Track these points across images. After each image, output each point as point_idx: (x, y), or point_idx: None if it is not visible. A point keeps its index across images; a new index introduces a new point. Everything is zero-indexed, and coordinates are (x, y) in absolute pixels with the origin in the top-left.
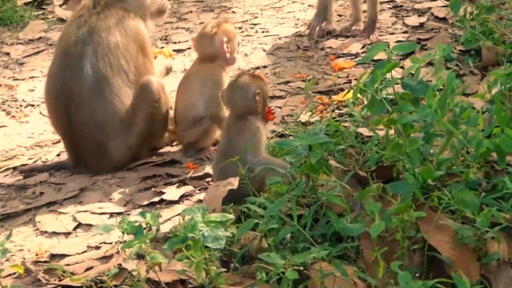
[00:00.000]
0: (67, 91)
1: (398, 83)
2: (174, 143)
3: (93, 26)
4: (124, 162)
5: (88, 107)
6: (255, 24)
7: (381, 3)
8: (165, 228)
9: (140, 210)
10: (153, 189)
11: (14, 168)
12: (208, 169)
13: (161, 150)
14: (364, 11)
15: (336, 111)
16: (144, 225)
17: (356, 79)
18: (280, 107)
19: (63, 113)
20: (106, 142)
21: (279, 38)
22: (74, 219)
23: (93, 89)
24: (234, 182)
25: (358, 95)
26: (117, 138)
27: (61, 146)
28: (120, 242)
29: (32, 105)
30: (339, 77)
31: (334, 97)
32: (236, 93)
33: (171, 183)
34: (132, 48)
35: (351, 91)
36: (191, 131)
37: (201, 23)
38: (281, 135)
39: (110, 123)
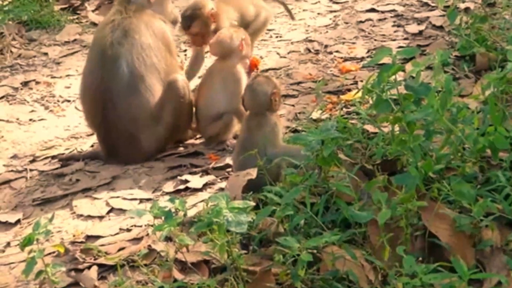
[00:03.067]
0: (105, 88)
1: (401, 85)
2: (197, 136)
3: (126, 29)
4: (153, 153)
5: (124, 102)
6: (269, 30)
7: (383, 12)
8: (190, 213)
9: (166, 196)
10: (178, 177)
11: (53, 157)
12: (229, 160)
13: (186, 143)
14: None
15: (344, 109)
16: (172, 210)
17: (361, 81)
18: (293, 105)
19: (100, 108)
20: (138, 134)
21: (292, 43)
22: (107, 204)
23: (129, 86)
24: (253, 173)
25: (366, 95)
26: (148, 130)
27: (94, 138)
28: (150, 225)
29: (68, 101)
30: (346, 79)
31: (342, 96)
32: (254, 95)
33: (195, 173)
34: (161, 48)
35: (357, 92)
36: (213, 126)
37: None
38: (295, 131)
39: (142, 117)
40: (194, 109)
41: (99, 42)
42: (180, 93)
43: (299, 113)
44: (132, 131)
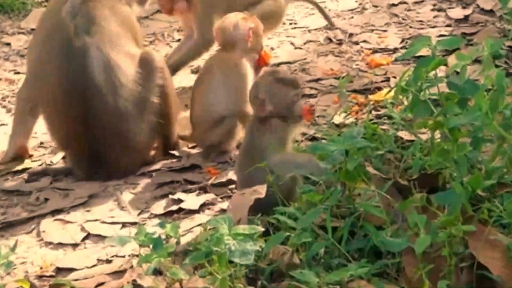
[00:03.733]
0: (82, 86)
1: (443, 82)
2: (190, 145)
3: (91, 16)
4: (146, 151)
5: (107, 99)
6: None
7: None
8: (184, 240)
9: (156, 220)
10: (170, 196)
11: (16, 172)
12: (232, 174)
13: (179, 153)
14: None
15: (373, 112)
16: (163, 237)
17: (394, 77)
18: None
19: (78, 111)
20: (128, 128)
21: (309, 31)
22: (83, 229)
23: (109, 78)
24: (261, 190)
25: (399, 95)
26: (137, 121)
27: None
28: (135, 256)
29: None
30: (376, 75)
31: (370, 96)
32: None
33: (190, 190)
34: (128, 36)
35: (390, 90)
36: (212, 133)
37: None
38: (312, 138)
39: (129, 108)
40: (189, 112)
41: (56, 29)
42: (157, 65)
43: (318, 116)
44: (121, 126)
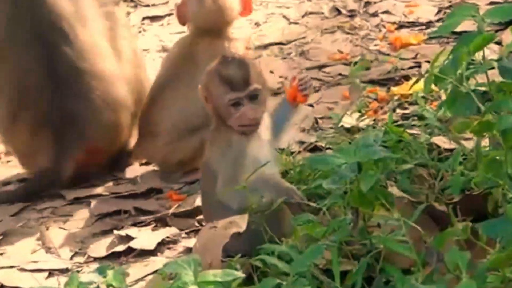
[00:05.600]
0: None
1: (493, 68)
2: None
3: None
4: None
5: (91, 93)
6: None
7: None
8: None
9: (94, 265)
10: (115, 232)
11: None
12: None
13: (128, 174)
14: None
15: (397, 110)
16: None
17: (427, 62)
18: (311, 105)
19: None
20: (118, 123)
21: None
22: None
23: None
24: (240, 222)
25: (432, 86)
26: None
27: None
28: None
29: None
30: (401, 59)
31: (394, 89)
32: None
33: (143, 223)
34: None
35: (418, 80)
36: (183, 145)
37: None
38: (314, 148)
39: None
40: (145, 117)
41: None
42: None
43: (322, 118)
44: (113, 121)
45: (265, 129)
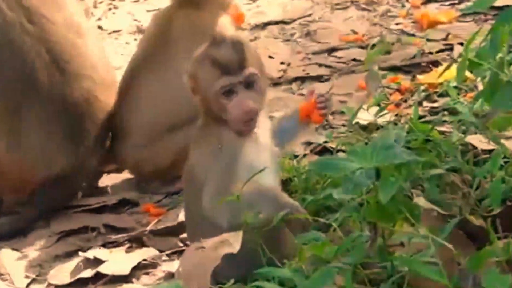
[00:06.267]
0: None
1: None
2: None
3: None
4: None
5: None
6: None
7: None
8: None
9: None
10: (81, 254)
11: None
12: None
13: (101, 183)
14: None
15: (425, 103)
16: None
17: (461, 44)
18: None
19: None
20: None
21: None
22: None
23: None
24: (233, 240)
25: (467, 73)
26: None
27: None
28: None
29: None
30: (429, 40)
31: (420, 77)
32: None
33: (115, 243)
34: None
35: (449, 66)
36: (161, 147)
37: None
38: (322, 150)
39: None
40: (116, 112)
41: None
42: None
43: (332, 113)
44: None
45: (264, 131)
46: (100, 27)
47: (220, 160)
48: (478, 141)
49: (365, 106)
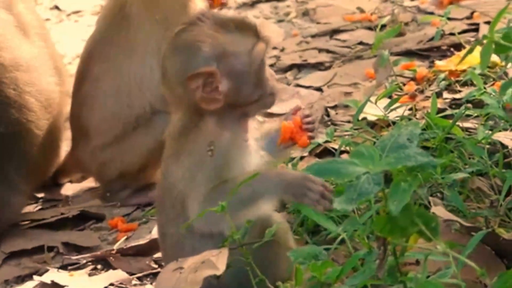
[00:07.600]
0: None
1: None
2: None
3: None
4: None
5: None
6: None
7: None
8: None
9: None
10: (35, 278)
11: None
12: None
13: (56, 194)
14: None
15: (445, 94)
16: None
17: (488, 23)
18: (319, 89)
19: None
20: None
21: None
22: None
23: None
24: (217, 260)
25: (494, 57)
26: None
27: None
28: None
29: None
30: (450, 19)
31: (440, 63)
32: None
33: (76, 265)
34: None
35: (471, 49)
36: (127, 148)
37: None
38: (323, 151)
39: None
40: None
41: None
42: None
43: (334, 107)
44: None
45: (253, 132)
46: (57, 7)
47: (211, 162)
48: (509, 139)
49: (373, 99)
